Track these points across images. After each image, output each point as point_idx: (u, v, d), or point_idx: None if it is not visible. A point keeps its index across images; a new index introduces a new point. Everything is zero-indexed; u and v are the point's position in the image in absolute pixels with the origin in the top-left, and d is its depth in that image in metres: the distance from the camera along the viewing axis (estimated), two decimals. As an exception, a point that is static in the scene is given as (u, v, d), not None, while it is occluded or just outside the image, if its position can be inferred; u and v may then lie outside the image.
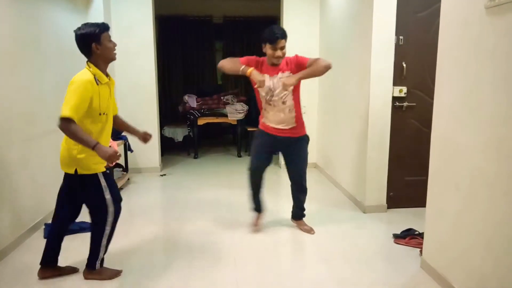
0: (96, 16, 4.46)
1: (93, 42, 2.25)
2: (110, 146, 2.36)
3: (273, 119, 3.03)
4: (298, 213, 3.31)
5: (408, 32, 3.47)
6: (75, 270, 2.58)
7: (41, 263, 2.51)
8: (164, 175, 5.22)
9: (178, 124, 6.65)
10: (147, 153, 5.14)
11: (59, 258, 2.56)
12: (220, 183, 4.83)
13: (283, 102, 2.96)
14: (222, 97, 6.30)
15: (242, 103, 6.24)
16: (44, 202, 3.43)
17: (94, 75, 2.26)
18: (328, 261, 2.77)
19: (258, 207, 3.30)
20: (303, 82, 2.91)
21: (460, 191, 2.23)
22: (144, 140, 2.63)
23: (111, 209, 2.40)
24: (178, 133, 6.50)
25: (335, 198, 4.16)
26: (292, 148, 3.10)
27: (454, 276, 2.30)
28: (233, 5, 7.51)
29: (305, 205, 3.31)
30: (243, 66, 2.89)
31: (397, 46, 3.47)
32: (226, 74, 7.80)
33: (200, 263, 2.73)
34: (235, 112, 6.13)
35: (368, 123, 3.56)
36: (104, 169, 2.40)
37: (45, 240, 2.55)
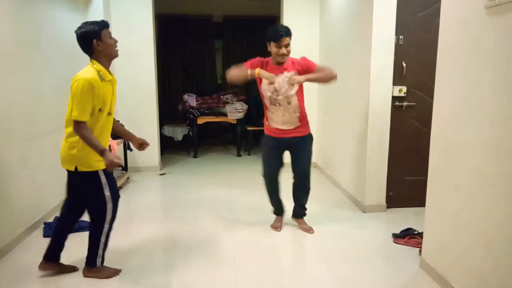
0: (96, 15, 4.46)
1: (94, 39, 2.26)
2: (110, 145, 2.37)
3: (278, 119, 3.03)
4: (299, 212, 3.31)
5: (408, 32, 3.47)
6: (75, 269, 2.59)
7: (44, 257, 2.53)
8: (164, 174, 5.22)
9: (177, 123, 6.65)
10: (146, 152, 5.05)
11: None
12: (220, 182, 4.83)
13: (289, 102, 2.97)
14: (221, 96, 6.30)
15: (241, 102, 6.24)
16: (44, 201, 3.43)
17: (98, 72, 2.28)
18: (328, 261, 2.77)
19: (277, 209, 3.36)
20: (305, 82, 2.91)
21: (460, 191, 2.23)
22: (139, 148, 2.64)
23: (109, 206, 2.41)
24: (178, 132, 6.50)
25: (335, 198, 4.16)
26: (297, 147, 3.11)
27: (454, 276, 2.30)
28: (233, 5, 7.50)
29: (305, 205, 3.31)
30: (249, 70, 2.90)
31: (397, 46, 3.47)
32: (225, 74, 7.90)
33: (200, 263, 2.73)
34: (234, 111, 6.13)
35: (368, 123, 3.56)
36: (105, 167, 2.41)
37: (44, 239, 2.56)
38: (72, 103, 2.21)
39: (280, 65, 2.95)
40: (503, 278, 1.90)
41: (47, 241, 2.58)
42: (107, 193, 2.39)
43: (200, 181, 4.87)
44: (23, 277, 2.52)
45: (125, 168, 4.80)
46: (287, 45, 2.88)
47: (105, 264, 2.55)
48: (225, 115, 6.17)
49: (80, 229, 3.13)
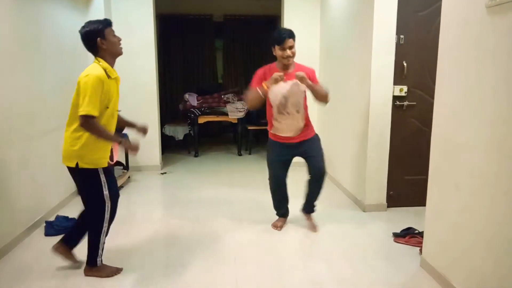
0: (96, 15, 4.45)
1: (98, 38, 2.28)
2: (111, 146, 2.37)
3: (285, 128, 3.03)
4: (311, 208, 3.31)
5: (409, 32, 3.47)
6: (78, 265, 2.60)
7: (61, 239, 2.57)
8: (165, 173, 5.22)
9: (178, 122, 6.65)
10: (147, 152, 5.14)
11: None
12: (221, 181, 4.84)
13: (297, 111, 2.98)
14: (222, 96, 6.30)
15: (242, 102, 6.24)
16: (44, 201, 3.44)
17: (105, 69, 2.29)
18: (328, 260, 2.77)
19: (280, 211, 3.37)
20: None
21: (460, 190, 2.23)
22: (143, 132, 2.68)
23: (108, 204, 2.41)
24: (179, 132, 6.50)
25: (335, 197, 4.16)
26: (306, 146, 3.10)
27: (454, 276, 2.30)
28: (234, 4, 7.51)
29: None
30: (258, 89, 2.88)
31: (398, 45, 3.46)
32: (226, 74, 7.92)
33: (200, 262, 2.73)
34: (235, 110, 6.13)
35: (369, 122, 3.55)
36: (106, 165, 2.42)
37: (45, 238, 2.56)
38: (82, 99, 2.20)
39: (286, 70, 2.95)
40: (503, 278, 1.90)
41: (48, 240, 2.59)
42: (106, 192, 2.39)
43: (201, 180, 4.87)
44: (23, 277, 2.53)
45: (126, 167, 4.81)
46: (291, 47, 2.88)
47: (104, 262, 2.56)
48: (226, 114, 6.17)
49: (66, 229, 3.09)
